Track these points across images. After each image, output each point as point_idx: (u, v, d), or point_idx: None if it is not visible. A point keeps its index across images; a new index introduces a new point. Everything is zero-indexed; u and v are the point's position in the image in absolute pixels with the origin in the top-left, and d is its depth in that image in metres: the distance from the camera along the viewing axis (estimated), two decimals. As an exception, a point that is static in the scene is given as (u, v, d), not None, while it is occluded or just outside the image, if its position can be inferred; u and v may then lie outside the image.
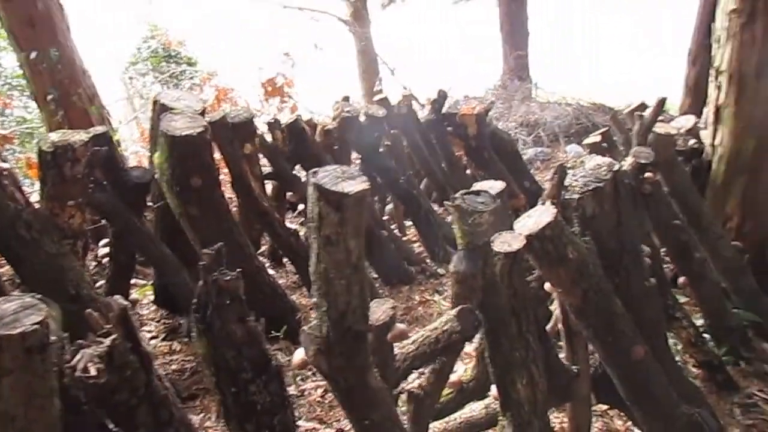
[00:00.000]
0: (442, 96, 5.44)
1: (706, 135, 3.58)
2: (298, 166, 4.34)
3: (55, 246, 2.35)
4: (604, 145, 2.89)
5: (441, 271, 4.49)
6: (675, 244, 3.06)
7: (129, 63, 11.64)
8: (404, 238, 5.22)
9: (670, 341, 3.16)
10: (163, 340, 3.44)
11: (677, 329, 3.01)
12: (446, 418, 2.27)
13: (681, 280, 3.26)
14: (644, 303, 2.34)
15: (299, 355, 1.61)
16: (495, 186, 1.91)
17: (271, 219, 3.84)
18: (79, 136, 2.40)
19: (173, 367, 3.21)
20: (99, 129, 3.26)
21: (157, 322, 3.62)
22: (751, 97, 3.25)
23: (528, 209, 2.04)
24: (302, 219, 5.09)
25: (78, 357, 1.28)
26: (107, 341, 1.29)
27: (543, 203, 2.05)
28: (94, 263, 3.98)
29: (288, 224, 4.20)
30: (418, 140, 5.27)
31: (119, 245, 3.32)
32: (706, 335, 3.21)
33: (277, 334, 3.17)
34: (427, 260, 4.80)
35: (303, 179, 4.30)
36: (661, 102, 3.11)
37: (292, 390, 3.01)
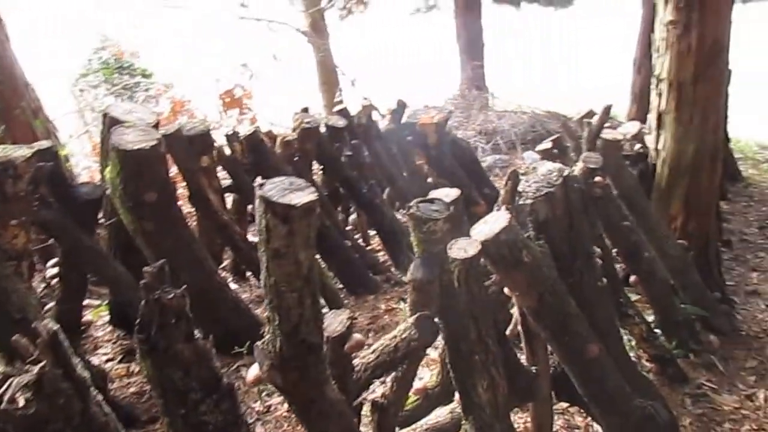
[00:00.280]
0: (402, 106, 5.53)
1: (650, 140, 3.73)
2: (258, 178, 4.32)
3: (-3, 268, 2.23)
4: (555, 151, 2.99)
5: (405, 279, 4.52)
6: (625, 245, 3.18)
7: (79, 75, 11.34)
8: (368, 248, 5.26)
9: (624, 337, 3.30)
10: (120, 361, 3.36)
11: (630, 326, 3.13)
12: (413, 426, 2.31)
13: (632, 278, 3.38)
14: (597, 302, 2.44)
15: (254, 371, 1.60)
16: (451, 193, 1.97)
17: (232, 232, 3.80)
18: (21, 152, 2.29)
19: (131, 389, 3.14)
20: (44, 143, 3.16)
21: (114, 343, 3.53)
22: (690, 103, 3.40)
23: (489, 216, 2.11)
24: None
25: (5, 387, 1.19)
26: (36, 369, 1.21)
27: (498, 209, 2.12)
28: (42, 285, 3.86)
29: (250, 237, 4.17)
30: (379, 150, 5.33)
31: (69, 265, 3.18)
32: (657, 330, 3.34)
33: (241, 349, 3.13)
34: (392, 269, 4.85)
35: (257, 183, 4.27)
36: (607, 109, 3.24)
37: (257, 406, 3.00)
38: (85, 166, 7.63)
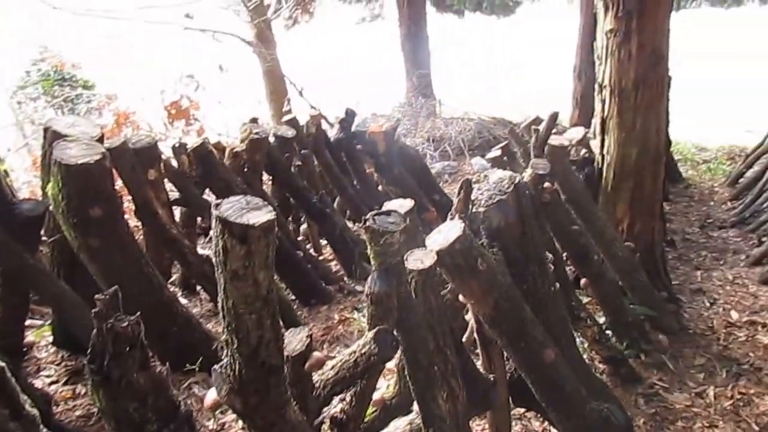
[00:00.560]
0: (350, 115, 5.52)
1: (595, 145, 3.84)
2: (207, 191, 4.23)
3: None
4: (505, 159, 3.03)
5: (359, 288, 4.52)
6: (574, 249, 3.24)
7: (17, 87, 10.86)
8: (320, 258, 5.21)
9: (577, 340, 3.36)
10: (66, 383, 3.21)
11: (582, 328, 3.18)
12: (371, 438, 2.28)
13: (582, 281, 3.45)
14: (551, 307, 2.47)
15: (211, 395, 1.54)
16: (405, 204, 1.96)
17: (181, 246, 3.72)
18: (-43, 167, 2.20)
19: (78, 413, 3.00)
20: (-19, 158, 3.04)
21: (58, 365, 3.37)
22: (632, 108, 3.51)
23: (439, 222, 2.10)
24: (214, 244, 4.94)
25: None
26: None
27: (452, 218, 2.12)
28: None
29: (200, 250, 4.08)
30: (329, 159, 5.30)
31: (10, 284, 3.05)
32: (608, 332, 3.42)
33: (193, 366, 3.06)
34: (345, 278, 4.82)
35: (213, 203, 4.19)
36: (554, 116, 3.32)
37: (210, 425, 2.91)
38: (25, 180, 7.29)
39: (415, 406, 2.15)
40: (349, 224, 5.32)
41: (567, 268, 3.60)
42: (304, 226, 5.49)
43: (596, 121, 3.76)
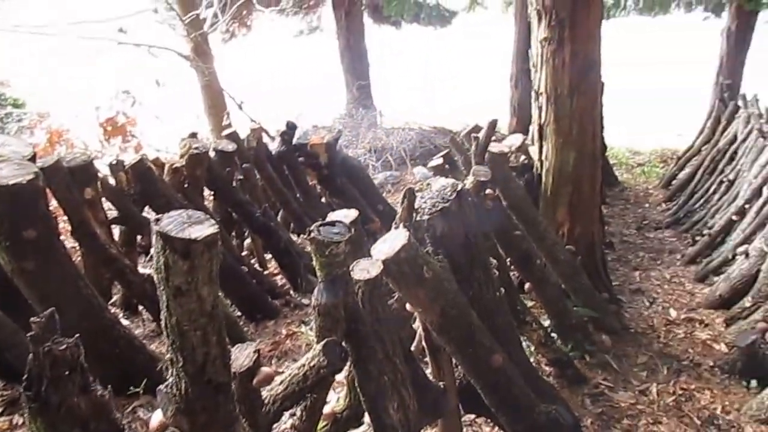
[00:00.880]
0: (291, 127, 5.47)
1: (534, 151, 3.92)
2: (147, 208, 4.10)
3: None
4: (447, 166, 3.05)
5: (305, 301, 4.46)
6: (517, 254, 3.29)
7: (-61, 106, 10.23)
8: (266, 272, 5.12)
9: (523, 344, 3.41)
10: (2, 415, 3.03)
11: (528, 332, 3.22)
12: (322, 453, 2.23)
13: (527, 286, 3.50)
14: (497, 312, 2.49)
15: (157, 417, 1.47)
16: (349, 215, 1.93)
17: (122, 266, 3.61)
18: None
19: (15, 444, 2.84)
20: None
21: (-7, 396, 3.17)
22: (568, 114, 3.61)
23: (384, 231, 2.09)
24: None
25: None
26: None
27: (396, 227, 2.11)
28: None
29: (141, 269, 3.94)
30: (271, 172, 5.23)
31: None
32: (553, 334, 3.48)
33: (137, 389, 2.95)
34: (291, 292, 4.75)
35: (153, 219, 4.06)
36: (493, 124, 3.37)
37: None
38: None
39: (366, 418, 2.12)
40: (294, 237, 5.26)
41: (511, 274, 3.67)
42: (248, 241, 5.39)
43: (534, 128, 3.84)
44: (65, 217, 3.45)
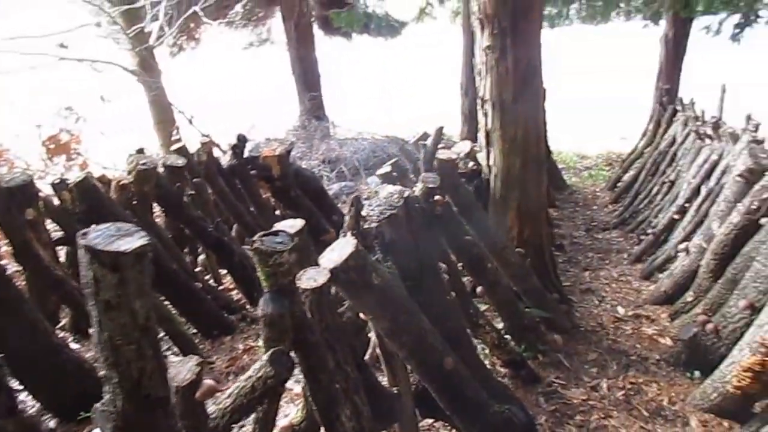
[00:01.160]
0: (242, 140, 5.42)
1: (482, 157, 3.99)
2: (93, 227, 3.98)
3: None
4: (395, 174, 3.08)
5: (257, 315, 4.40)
6: (469, 258, 3.32)
7: None
8: (221, 288, 5.04)
9: (478, 347, 3.45)
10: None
11: (482, 335, 3.27)
12: (280, 466, 2.20)
13: (479, 289, 3.55)
14: (448, 316, 2.53)
15: (96, 437, 1.43)
16: (295, 224, 1.93)
17: (68, 288, 3.51)
18: None
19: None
20: None
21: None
22: (513, 120, 3.69)
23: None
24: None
25: None
26: None
27: (344, 235, 2.12)
28: None
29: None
30: (223, 186, 5.16)
31: None
32: (507, 336, 3.54)
33: (88, 414, 2.86)
34: (247, 306, 4.69)
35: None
36: (439, 131, 3.41)
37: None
38: None
39: (323, 430, 2.11)
40: (248, 251, 5.20)
41: (464, 278, 3.72)
42: (201, 257, 5.30)
43: (481, 134, 3.91)
44: (6, 240, 3.37)
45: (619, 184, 7.88)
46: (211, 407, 1.57)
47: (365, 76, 20.88)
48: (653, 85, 9.23)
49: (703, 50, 9.63)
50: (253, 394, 1.53)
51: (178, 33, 9.21)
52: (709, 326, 3.21)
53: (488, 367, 3.42)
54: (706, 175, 4.64)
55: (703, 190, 4.57)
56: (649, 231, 5.51)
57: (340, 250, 1.91)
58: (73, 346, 3.76)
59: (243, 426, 1.77)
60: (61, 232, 3.89)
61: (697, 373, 3.30)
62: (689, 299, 3.86)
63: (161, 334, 4.09)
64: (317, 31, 11.97)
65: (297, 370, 1.78)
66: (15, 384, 2.89)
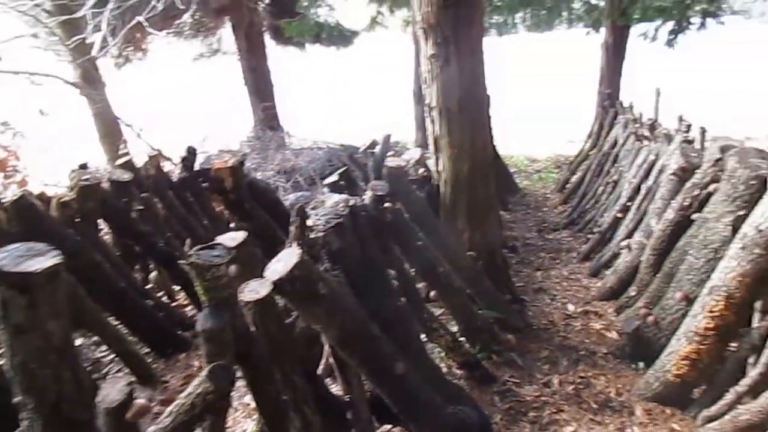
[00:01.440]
0: (192, 152, 5.34)
1: (432, 163, 4.06)
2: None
3: None
4: (343, 183, 3.11)
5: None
6: (421, 263, 3.37)
7: None
8: (174, 304, 4.94)
9: (436, 350, 3.50)
10: None
11: (437, 338, 3.31)
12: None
13: (432, 294, 3.60)
14: (399, 322, 2.56)
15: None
16: (237, 237, 1.93)
17: None
18: None
19: None
20: None
21: None
22: (459, 127, 3.76)
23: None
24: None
25: None
26: None
27: (289, 246, 2.12)
28: None
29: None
30: (173, 200, 5.07)
31: None
32: (462, 338, 3.59)
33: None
34: (201, 322, 4.60)
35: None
36: (387, 139, 3.46)
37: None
38: None
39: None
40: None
41: (419, 284, 3.76)
42: (153, 273, 5.18)
43: (430, 141, 3.97)
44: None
45: (567, 186, 8.10)
46: (151, 427, 1.54)
47: (321, 85, 20.89)
48: (596, 90, 9.55)
49: (642, 56, 10.02)
50: (194, 411, 1.51)
51: (124, 44, 9.00)
52: (650, 319, 3.35)
53: (444, 369, 3.48)
54: (644, 175, 4.83)
55: (643, 189, 4.75)
56: (596, 230, 5.69)
57: (285, 260, 1.91)
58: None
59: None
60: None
61: (641, 364, 3.42)
62: (632, 294, 4.01)
63: (112, 356, 4.01)
64: (269, 40, 11.92)
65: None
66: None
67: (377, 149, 3.40)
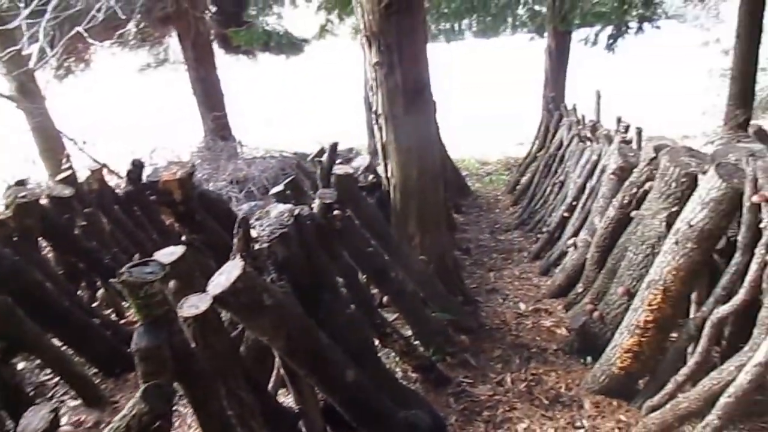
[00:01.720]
0: (138, 165, 5.23)
1: (381, 170, 4.08)
2: None
3: None
4: (289, 192, 3.09)
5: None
6: (373, 269, 3.39)
7: None
8: (123, 321, 4.81)
9: (391, 355, 3.51)
10: None
11: (391, 343, 3.32)
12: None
13: (385, 299, 3.61)
14: (349, 329, 2.56)
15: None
16: (175, 251, 1.90)
17: None
18: None
19: None
20: None
21: None
22: (406, 133, 3.79)
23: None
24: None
25: None
26: None
27: (233, 258, 2.10)
28: None
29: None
30: (119, 215, 4.95)
31: None
32: (416, 342, 3.62)
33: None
34: (152, 339, 4.49)
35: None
36: (334, 146, 3.46)
37: None
38: None
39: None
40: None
41: (373, 290, 3.77)
42: (101, 291, 5.03)
43: (378, 148, 4.00)
44: None
45: (517, 187, 8.27)
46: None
47: (274, 94, 20.72)
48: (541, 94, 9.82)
49: (586, 59, 10.35)
50: (128, 433, 1.47)
51: (64, 55, 8.72)
52: (596, 314, 3.45)
53: (399, 374, 3.50)
54: (588, 175, 4.98)
55: (588, 189, 4.90)
56: (545, 229, 5.83)
57: (228, 273, 1.89)
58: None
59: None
60: None
61: (589, 359, 3.52)
62: (579, 290, 4.13)
63: (56, 378, 3.87)
64: (218, 49, 11.76)
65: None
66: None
67: (324, 158, 3.40)
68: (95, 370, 4.03)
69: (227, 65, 12.54)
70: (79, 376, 3.70)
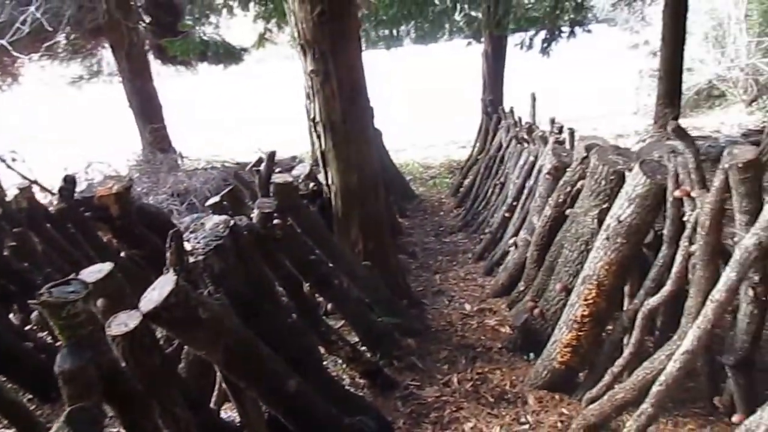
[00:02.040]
0: (70, 181, 5.02)
1: (322, 177, 4.08)
2: None
3: None
4: (225, 203, 3.05)
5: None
6: (316, 277, 3.38)
7: None
8: (58, 343, 4.60)
9: (338, 362, 3.50)
10: None
11: (336, 350, 3.30)
12: None
13: (329, 306, 3.60)
14: (290, 338, 2.54)
15: None
16: (103, 269, 1.84)
17: None
18: None
19: None
20: None
21: None
22: (344, 140, 3.81)
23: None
24: None
25: None
26: None
27: (167, 272, 2.05)
28: None
29: None
30: (52, 233, 4.75)
31: None
32: (363, 348, 3.62)
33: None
34: (90, 360, 4.33)
35: None
36: (272, 155, 3.43)
37: None
38: None
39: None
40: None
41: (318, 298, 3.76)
42: (34, 314, 4.81)
43: (318, 155, 3.99)
44: None
45: (460, 190, 8.40)
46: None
47: (215, 104, 20.42)
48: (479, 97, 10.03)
49: (523, 63, 10.64)
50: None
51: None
52: (536, 311, 3.54)
53: (346, 380, 3.50)
54: (526, 175, 5.11)
55: (526, 189, 5.03)
56: (488, 230, 5.94)
57: (160, 288, 1.84)
58: None
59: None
60: None
61: (531, 355, 3.61)
62: (521, 288, 4.23)
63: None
64: (155, 60, 11.48)
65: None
66: None
67: (262, 167, 3.37)
68: (29, 396, 3.87)
69: (167, 76, 12.28)
70: (10, 403, 3.52)
